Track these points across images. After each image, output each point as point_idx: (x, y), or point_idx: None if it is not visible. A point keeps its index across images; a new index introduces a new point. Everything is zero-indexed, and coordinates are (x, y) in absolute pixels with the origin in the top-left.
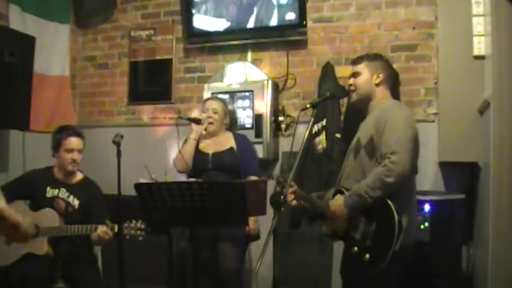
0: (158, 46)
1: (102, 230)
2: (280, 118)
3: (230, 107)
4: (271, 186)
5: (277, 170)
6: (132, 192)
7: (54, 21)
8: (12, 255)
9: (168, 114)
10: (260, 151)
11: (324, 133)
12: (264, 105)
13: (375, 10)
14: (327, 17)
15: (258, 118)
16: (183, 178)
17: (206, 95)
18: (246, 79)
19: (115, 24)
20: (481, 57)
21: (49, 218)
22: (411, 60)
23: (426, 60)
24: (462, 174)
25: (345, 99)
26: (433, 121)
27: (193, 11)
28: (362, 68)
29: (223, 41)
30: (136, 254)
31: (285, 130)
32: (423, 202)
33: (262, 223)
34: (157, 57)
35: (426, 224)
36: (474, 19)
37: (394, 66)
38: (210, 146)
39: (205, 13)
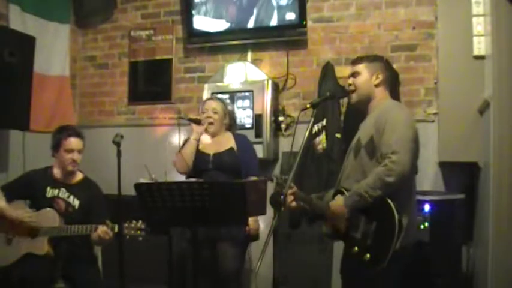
0: (158, 46)
1: (102, 230)
2: (280, 118)
3: (230, 107)
4: (271, 187)
5: (277, 170)
6: (132, 192)
7: (54, 21)
8: (12, 255)
9: (168, 114)
10: (260, 151)
11: (324, 133)
12: (264, 105)
13: (375, 10)
14: (327, 17)
15: (258, 118)
16: (182, 178)
17: (206, 95)
18: (246, 79)
19: (115, 24)
20: (481, 57)
21: (49, 218)
22: (411, 60)
23: (426, 60)
24: (462, 174)
25: (345, 99)
26: (433, 121)
27: (193, 12)
28: (362, 68)
29: (223, 41)
30: (136, 254)
31: (285, 130)
32: (423, 202)
33: (262, 223)
34: (157, 57)
35: (426, 224)
36: (474, 19)
37: (394, 66)
38: (210, 147)
39: (205, 14)
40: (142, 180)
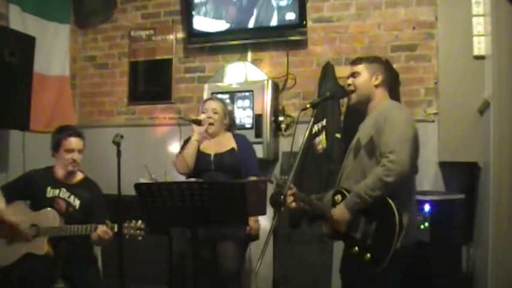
0: (158, 46)
1: (102, 230)
2: (280, 118)
3: (229, 107)
4: (271, 187)
5: (277, 170)
6: (132, 192)
7: (54, 21)
8: (12, 255)
9: (168, 114)
10: (260, 151)
11: (324, 133)
12: (264, 105)
13: (375, 10)
14: (327, 17)
15: (258, 118)
16: (182, 178)
17: (206, 95)
18: (246, 79)
19: (115, 24)
20: (481, 57)
21: (49, 218)
22: (411, 60)
23: (426, 60)
24: (462, 174)
25: (345, 99)
26: (433, 121)
27: (193, 13)
28: (361, 68)
29: (223, 41)
30: (136, 254)
31: (285, 130)
32: (423, 202)
33: (262, 223)
34: (157, 57)
35: (426, 224)
36: (474, 19)
37: (394, 66)
38: (211, 147)
39: (205, 15)
40: (142, 180)
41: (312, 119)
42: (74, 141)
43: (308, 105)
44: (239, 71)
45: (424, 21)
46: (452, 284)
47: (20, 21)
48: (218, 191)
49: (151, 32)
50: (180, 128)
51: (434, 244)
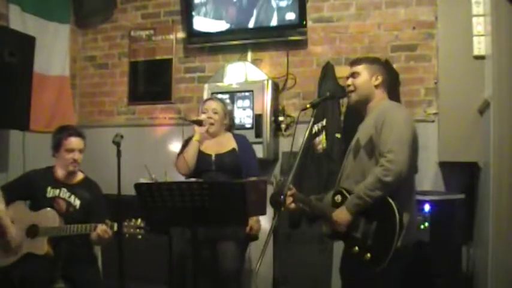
0: (158, 46)
1: (101, 229)
2: (280, 118)
3: (229, 107)
4: (270, 187)
5: (277, 170)
6: (132, 192)
7: (54, 21)
8: (12, 255)
9: (168, 114)
10: (260, 151)
11: (324, 133)
12: (264, 105)
13: (375, 10)
14: (327, 17)
15: (258, 118)
16: (182, 178)
17: (206, 95)
18: (246, 79)
19: (115, 24)
20: (481, 57)
21: (49, 218)
22: (411, 60)
23: (426, 60)
24: (462, 174)
25: (345, 99)
26: (433, 121)
27: (193, 13)
28: (361, 69)
29: (223, 41)
30: (136, 253)
31: (285, 130)
32: (423, 202)
33: (262, 223)
34: (157, 57)
35: (426, 224)
36: (474, 19)
37: (394, 66)
38: (211, 147)
39: (205, 15)
40: (142, 180)
41: (312, 119)
42: (74, 141)
43: (308, 105)
44: (239, 71)
45: (424, 21)
46: (452, 284)
47: (20, 21)
48: (218, 191)
49: (151, 32)
50: (183, 128)
51: (434, 244)
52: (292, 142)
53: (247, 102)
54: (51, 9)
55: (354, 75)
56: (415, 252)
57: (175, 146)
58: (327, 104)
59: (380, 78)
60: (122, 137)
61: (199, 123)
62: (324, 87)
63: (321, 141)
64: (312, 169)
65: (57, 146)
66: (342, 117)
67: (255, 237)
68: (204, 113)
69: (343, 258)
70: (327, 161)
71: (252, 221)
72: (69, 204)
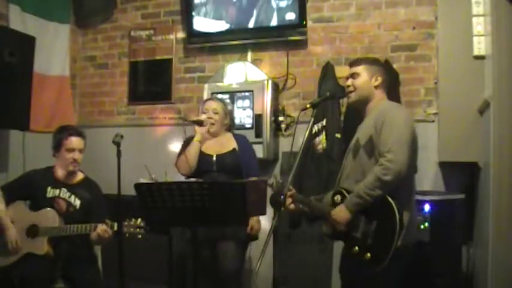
0: (158, 46)
1: (101, 229)
2: (280, 118)
3: (229, 107)
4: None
5: (277, 170)
6: (132, 192)
7: (54, 21)
8: (12, 255)
9: (168, 114)
10: (260, 151)
11: (324, 133)
12: (264, 105)
13: (375, 10)
14: (327, 17)
15: (258, 118)
16: (182, 178)
17: (206, 95)
18: (246, 79)
19: (115, 24)
20: (481, 57)
21: (49, 218)
22: (411, 60)
23: (426, 60)
24: (462, 174)
25: (345, 99)
26: (433, 121)
27: (193, 13)
28: (361, 69)
29: (223, 41)
30: (136, 253)
31: (285, 130)
32: (423, 202)
33: (262, 223)
34: (157, 57)
35: (426, 224)
36: (474, 19)
37: (394, 66)
38: (212, 148)
39: (205, 15)
40: (142, 180)
41: (312, 119)
42: (75, 141)
43: (308, 105)
44: (239, 71)
45: (424, 21)
46: (452, 284)
47: (20, 21)
48: (218, 191)
49: (151, 32)
50: (185, 128)
51: (434, 244)
52: (292, 142)
53: (247, 102)
54: (51, 9)
55: (353, 76)
56: (415, 252)
57: (175, 146)
58: (327, 104)
59: (380, 79)
60: (122, 137)
61: (200, 123)
62: (324, 87)
63: (321, 141)
64: (312, 169)
65: (57, 146)
66: (342, 117)
67: (255, 237)
68: (204, 113)
69: (343, 258)
70: (327, 161)
71: (252, 221)
72: (69, 204)
